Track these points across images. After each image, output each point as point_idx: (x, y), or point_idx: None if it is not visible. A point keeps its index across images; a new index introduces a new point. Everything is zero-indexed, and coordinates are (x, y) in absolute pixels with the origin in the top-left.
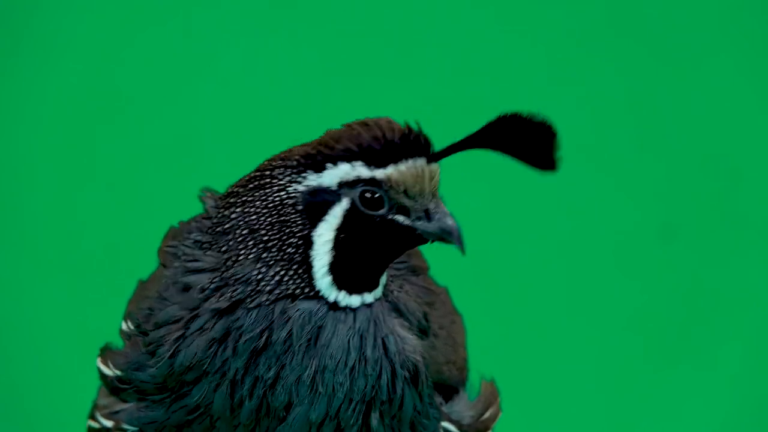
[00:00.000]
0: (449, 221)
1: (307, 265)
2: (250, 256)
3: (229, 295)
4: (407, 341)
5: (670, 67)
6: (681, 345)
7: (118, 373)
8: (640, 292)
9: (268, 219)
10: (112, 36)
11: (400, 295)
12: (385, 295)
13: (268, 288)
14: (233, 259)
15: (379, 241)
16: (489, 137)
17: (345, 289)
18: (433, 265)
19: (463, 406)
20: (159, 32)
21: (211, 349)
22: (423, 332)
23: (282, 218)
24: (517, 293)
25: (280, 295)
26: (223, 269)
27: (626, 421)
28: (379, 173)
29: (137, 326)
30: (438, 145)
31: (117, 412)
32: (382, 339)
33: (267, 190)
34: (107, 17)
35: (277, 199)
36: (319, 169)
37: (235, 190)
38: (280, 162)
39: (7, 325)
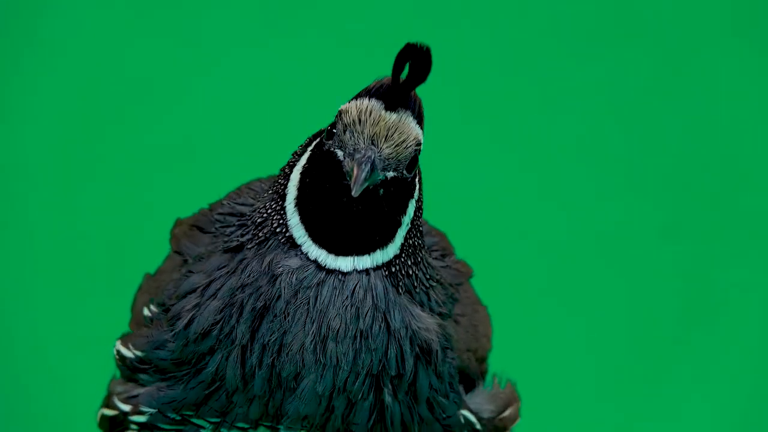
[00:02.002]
0: (358, 164)
1: (283, 199)
2: (269, 192)
3: (240, 233)
4: (420, 319)
5: (671, 66)
6: (681, 345)
7: (139, 353)
8: (641, 292)
9: (295, 157)
10: (113, 37)
11: (424, 281)
12: (397, 270)
13: (260, 221)
14: (259, 198)
15: (323, 175)
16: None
17: (325, 246)
18: None
19: (482, 399)
20: (160, 31)
21: (222, 314)
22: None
23: (294, 153)
24: (517, 294)
25: (267, 233)
26: (250, 211)
27: (627, 421)
28: (345, 105)
29: (161, 305)
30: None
31: (135, 396)
32: (384, 314)
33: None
34: (110, 18)
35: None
36: None
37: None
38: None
39: (9, 324)
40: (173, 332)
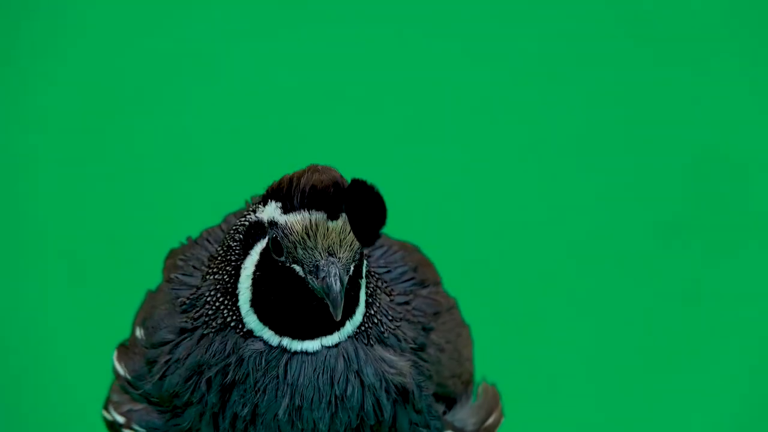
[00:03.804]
0: (329, 283)
1: (235, 297)
2: (210, 277)
3: (193, 315)
4: (393, 364)
5: (669, 66)
6: (681, 345)
7: (128, 377)
8: (640, 292)
9: (225, 244)
10: (117, 40)
11: (389, 324)
12: (365, 328)
13: (211, 312)
14: (205, 278)
15: (286, 287)
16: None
17: (288, 335)
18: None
19: (465, 413)
20: (163, 34)
21: (189, 382)
22: (419, 349)
23: (229, 245)
24: (518, 294)
25: (221, 324)
26: (195, 287)
27: (627, 421)
28: (282, 219)
29: (146, 336)
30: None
31: (128, 411)
32: (356, 372)
33: (241, 217)
34: (113, 19)
35: (235, 226)
36: (265, 203)
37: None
38: (261, 196)
39: (11, 326)
40: (152, 376)
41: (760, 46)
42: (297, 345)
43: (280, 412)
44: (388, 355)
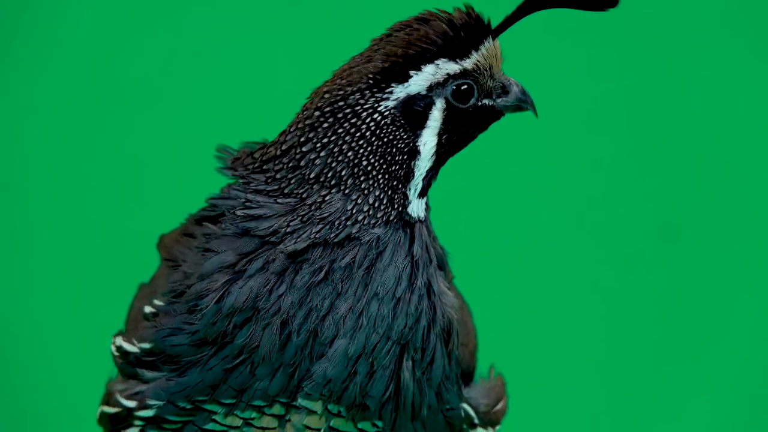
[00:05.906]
0: (522, 89)
1: (406, 179)
2: (346, 191)
3: (308, 236)
4: (446, 297)
5: (670, 65)
6: (682, 344)
7: (146, 345)
8: (642, 291)
9: (369, 147)
10: (113, 38)
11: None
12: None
13: (362, 218)
14: (319, 200)
15: (468, 131)
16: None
17: (422, 195)
18: None
19: (478, 393)
20: (159, 31)
21: (267, 287)
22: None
23: (386, 139)
24: (519, 293)
25: (376, 223)
26: (304, 212)
27: (626, 420)
28: (468, 63)
29: (170, 293)
30: None
31: (138, 393)
32: (428, 279)
33: (353, 120)
34: (109, 16)
35: (372, 123)
36: (404, 78)
37: (304, 138)
38: (349, 89)
39: (10, 326)
40: (199, 310)
41: (761, 47)
42: (418, 209)
43: (357, 304)
44: (444, 287)
